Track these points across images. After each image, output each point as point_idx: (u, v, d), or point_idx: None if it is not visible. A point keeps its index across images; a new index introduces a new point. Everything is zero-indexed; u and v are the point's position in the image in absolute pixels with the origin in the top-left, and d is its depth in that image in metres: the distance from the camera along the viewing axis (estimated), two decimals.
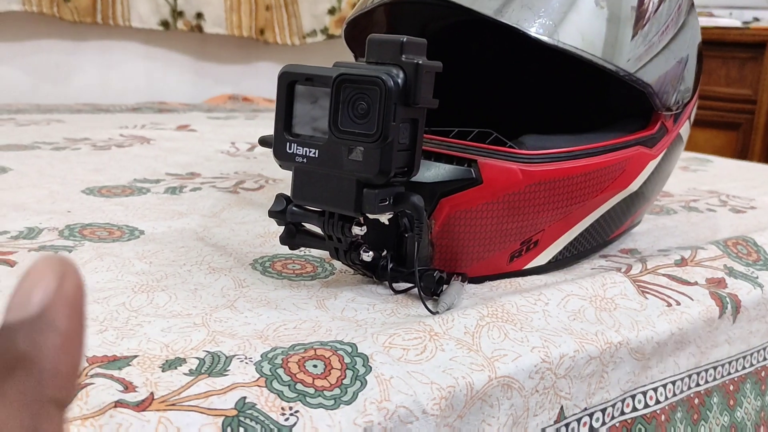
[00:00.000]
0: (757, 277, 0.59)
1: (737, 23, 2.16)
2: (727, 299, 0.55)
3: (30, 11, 1.60)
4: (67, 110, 1.42)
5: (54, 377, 0.16)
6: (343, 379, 0.37)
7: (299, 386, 0.36)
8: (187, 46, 1.92)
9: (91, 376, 0.35)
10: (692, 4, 0.62)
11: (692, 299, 0.53)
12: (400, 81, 0.41)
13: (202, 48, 1.95)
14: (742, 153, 2.04)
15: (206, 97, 1.93)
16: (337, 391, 0.36)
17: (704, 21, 2.12)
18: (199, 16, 1.81)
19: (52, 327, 0.16)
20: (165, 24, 1.76)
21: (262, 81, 2.04)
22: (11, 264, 0.50)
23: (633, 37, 0.53)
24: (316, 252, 0.57)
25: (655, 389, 0.50)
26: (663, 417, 0.50)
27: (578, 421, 0.45)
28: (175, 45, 1.90)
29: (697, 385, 0.53)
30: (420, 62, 0.41)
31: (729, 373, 0.56)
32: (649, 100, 0.56)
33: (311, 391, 0.36)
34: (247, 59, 2.04)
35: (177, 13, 1.76)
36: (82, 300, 0.17)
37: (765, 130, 2.01)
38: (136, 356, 0.38)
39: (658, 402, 0.50)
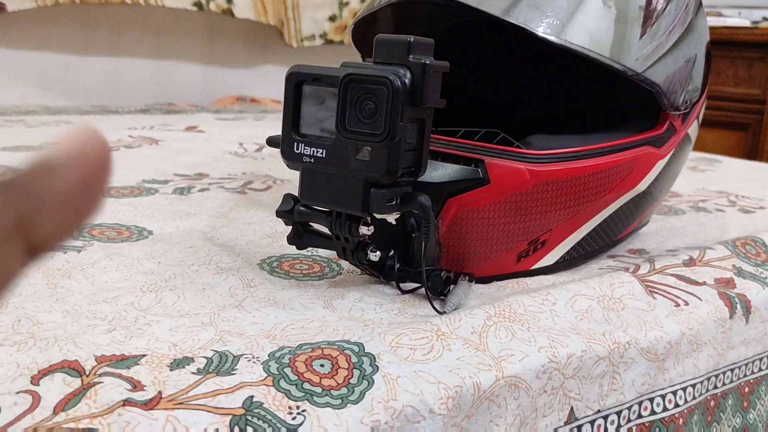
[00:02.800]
0: (766, 278, 0.59)
1: (746, 23, 2.15)
2: (736, 299, 0.55)
3: (43, 6, 1.60)
4: (76, 111, 1.43)
5: (35, 204, 0.16)
6: (351, 378, 0.37)
7: (306, 385, 0.36)
8: (195, 48, 1.93)
9: (100, 375, 0.35)
10: (700, 4, 0.62)
11: (701, 299, 0.53)
12: (407, 81, 0.41)
13: (211, 50, 1.96)
14: (751, 153, 2.03)
15: (215, 98, 1.93)
16: (344, 390, 0.36)
17: (713, 21, 2.11)
18: (230, 0, 1.82)
19: (55, 171, 0.16)
20: (198, 5, 1.78)
21: (270, 83, 2.04)
22: None
23: (641, 36, 0.52)
24: (323, 252, 0.57)
25: (674, 392, 0.49)
26: (681, 420, 0.49)
27: (591, 423, 0.45)
28: (184, 47, 1.91)
29: (715, 387, 0.53)
30: (427, 62, 0.41)
31: (745, 375, 0.56)
32: (657, 100, 0.56)
33: (318, 390, 0.36)
34: (255, 62, 2.05)
35: None
36: (100, 167, 0.17)
37: None
38: (144, 355, 0.38)
39: (677, 405, 0.49)
